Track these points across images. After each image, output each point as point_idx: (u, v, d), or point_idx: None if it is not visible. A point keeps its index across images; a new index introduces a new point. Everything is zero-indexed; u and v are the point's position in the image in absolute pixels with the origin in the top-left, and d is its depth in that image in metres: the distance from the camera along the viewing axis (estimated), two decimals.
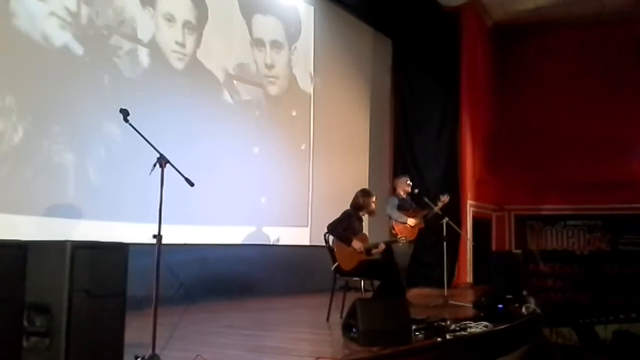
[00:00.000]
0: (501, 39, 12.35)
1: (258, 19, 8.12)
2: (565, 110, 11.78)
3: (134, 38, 6.36)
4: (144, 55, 6.50)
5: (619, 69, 11.58)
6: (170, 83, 6.78)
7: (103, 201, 5.86)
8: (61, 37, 5.63)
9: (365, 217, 6.34)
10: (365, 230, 6.20)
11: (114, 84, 6.09)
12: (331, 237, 5.82)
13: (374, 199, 6.12)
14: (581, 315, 10.19)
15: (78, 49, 5.78)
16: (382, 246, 5.99)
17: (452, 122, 10.65)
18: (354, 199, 6.07)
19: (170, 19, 6.84)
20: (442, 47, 10.47)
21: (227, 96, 7.56)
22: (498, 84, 12.35)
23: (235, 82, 7.69)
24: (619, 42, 11.64)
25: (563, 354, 9.21)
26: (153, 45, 6.60)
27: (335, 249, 5.74)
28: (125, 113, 3.70)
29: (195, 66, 7.13)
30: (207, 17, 7.33)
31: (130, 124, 3.71)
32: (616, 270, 11.27)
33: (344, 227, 5.77)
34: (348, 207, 6.04)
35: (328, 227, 5.78)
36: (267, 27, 8.25)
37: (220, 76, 7.47)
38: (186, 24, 7.04)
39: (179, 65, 6.93)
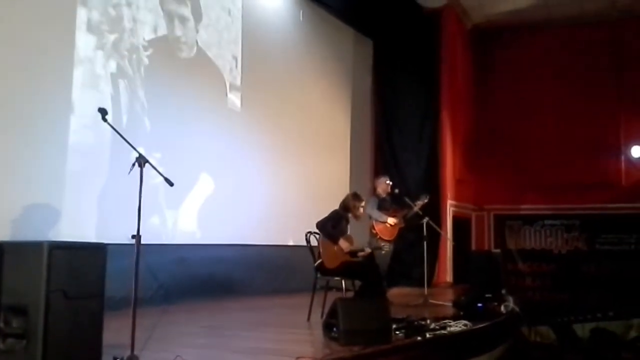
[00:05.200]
0: (480, 41, 12.47)
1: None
2: (543, 112, 11.95)
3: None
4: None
5: (596, 71, 11.76)
6: (160, 87, 6.74)
7: (81, 201, 5.78)
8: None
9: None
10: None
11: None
12: (312, 237, 5.83)
13: (363, 204, 6.16)
14: (559, 314, 10.31)
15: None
16: (368, 250, 6.00)
17: (432, 123, 10.71)
18: (344, 200, 6.09)
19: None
20: (422, 49, 10.54)
21: (208, 97, 7.52)
22: (477, 85, 12.47)
23: (215, 81, 7.66)
24: (596, 44, 11.82)
25: (541, 352, 9.30)
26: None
27: (320, 247, 5.75)
28: (103, 112, 3.67)
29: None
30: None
31: (109, 123, 3.68)
32: (593, 270, 11.44)
33: (332, 226, 5.79)
34: (332, 207, 6.03)
35: (317, 225, 5.78)
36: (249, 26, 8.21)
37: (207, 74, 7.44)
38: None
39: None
